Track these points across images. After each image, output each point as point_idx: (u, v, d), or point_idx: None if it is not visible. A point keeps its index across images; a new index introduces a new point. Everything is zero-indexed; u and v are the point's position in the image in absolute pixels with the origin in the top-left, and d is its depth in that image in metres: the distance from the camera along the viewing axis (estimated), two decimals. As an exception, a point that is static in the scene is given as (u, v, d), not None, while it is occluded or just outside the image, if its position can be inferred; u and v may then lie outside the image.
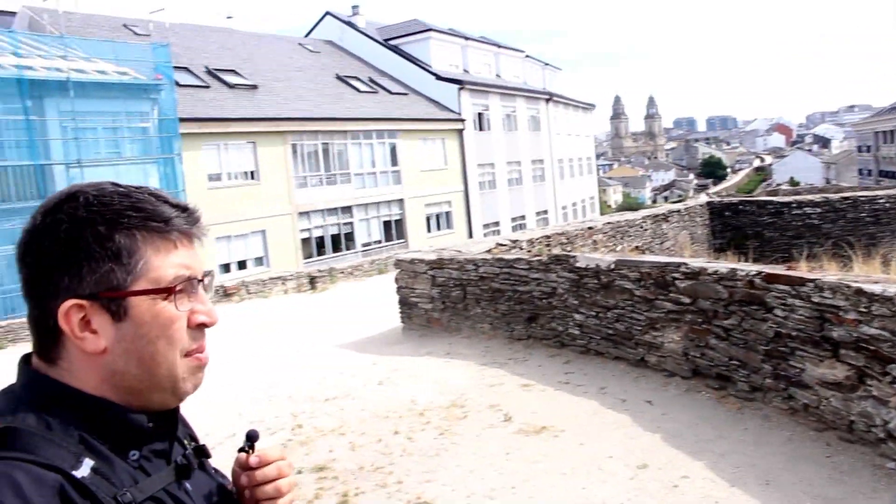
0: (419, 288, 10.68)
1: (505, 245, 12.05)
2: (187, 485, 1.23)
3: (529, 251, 11.70)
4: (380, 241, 30.17)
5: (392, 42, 37.29)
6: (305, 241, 27.13)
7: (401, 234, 31.30)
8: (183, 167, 21.96)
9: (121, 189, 1.19)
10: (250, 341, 11.56)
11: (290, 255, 25.99)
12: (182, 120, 22.05)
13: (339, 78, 32.59)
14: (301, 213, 26.85)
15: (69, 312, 1.11)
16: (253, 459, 1.31)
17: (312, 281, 18.10)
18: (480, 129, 36.32)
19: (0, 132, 18.66)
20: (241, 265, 24.58)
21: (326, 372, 9.00)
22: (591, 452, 5.63)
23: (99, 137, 20.70)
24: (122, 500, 1.06)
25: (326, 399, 7.85)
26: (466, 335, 9.91)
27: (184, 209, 1.21)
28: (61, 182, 19.38)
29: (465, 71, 38.33)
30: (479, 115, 36.41)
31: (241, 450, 1.36)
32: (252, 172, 25.19)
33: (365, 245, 29.37)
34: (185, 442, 1.32)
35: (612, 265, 7.94)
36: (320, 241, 27.87)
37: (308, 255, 26.93)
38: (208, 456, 1.34)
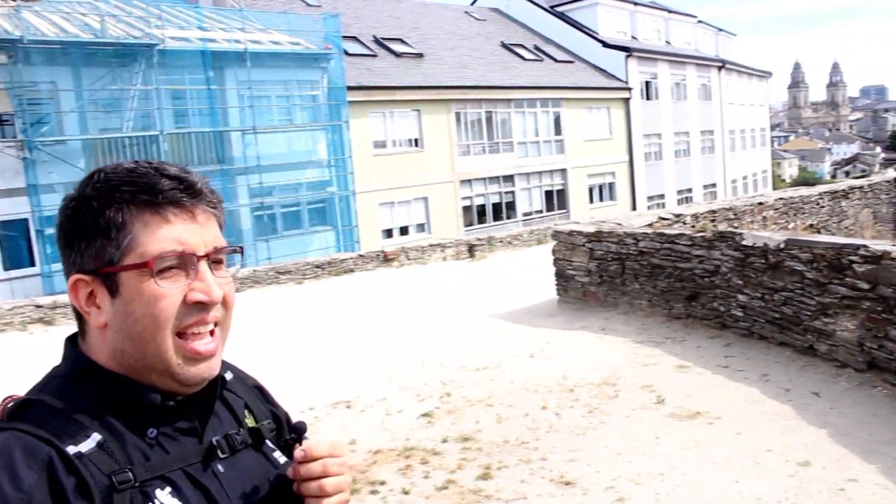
0: (576, 260, 10.49)
1: (667, 219, 11.61)
2: (219, 467, 1.18)
3: (693, 226, 11.20)
4: (541, 211, 29.95)
5: (558, 9, 36.61)
6: (466, 209, 27.35)
7: (562, 204, 30.94)
8: (350, 134, 22.61)
9: (130, 165, 1.17)
10: (405, 307, 11.78)
11: (450, 222, 26.28)
12: (350, 88, 22.65)
13: (504, 46, 32.41)
14: (463, 181, 27.05)
15: (75, 286, 1.15)
16: (298, 453, 1.21)
17: (471, 249, 18.20)
18: (647, 97, 35.17)
19: (186, 101, 19.92)
20: (403, 231, 25.11)
21: (478, 341, 9.02)
22: (747, 444, 5.31)
23: (272, 105, 21.70)
24: (118, 478, 1.05)
25: (477, 369, 7.86)
26: (623, 311, 9.64)
27: (182, 181, 1.15)
28: (238, 147, 20.48)
29: (633, 38, 37.13)
30: (647, 83, 35.22)
31: (286, 440, 1.31)
32: (416, 140, 25.59)
33: (526, 214, 29.25)
34: (247, 421, 1.29)
35: (781, 244, 7.44)
36: (481, 210, 28.01)
37: (468, 223, 27.13)
38: (263, 439, 1.28)
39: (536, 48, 33.58)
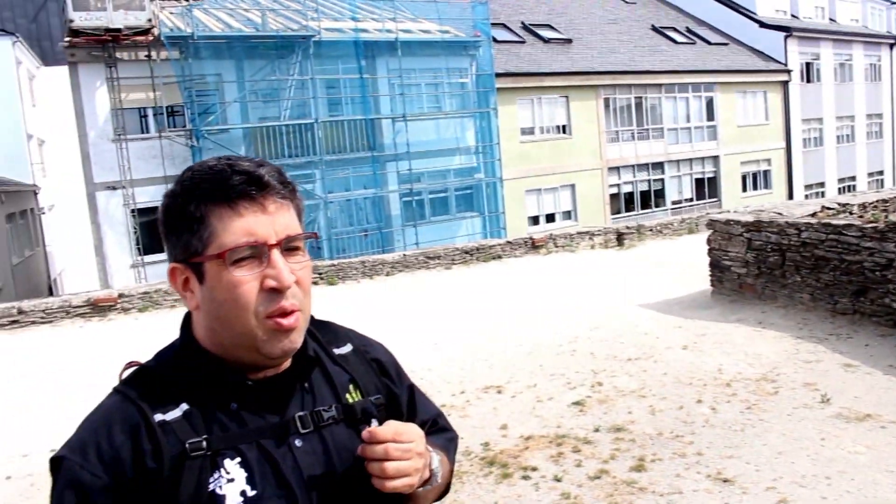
0: (732, 251, 10.13)
1: (832, 209, 11.00)
2: (296, 442, 1.27)
3: (861, 217, 10.56)
4: (691, 200, 29.06)
5: (713, -12, 35.23)
6: (614, 197, 26.90)
7: (713, 192, 29.89)
8: (498, 121, 22.68)
9: (212, 162, 1.27)
10: (555, 294, 11.73)
11: (598, 210, 25.94)
12: (498, 75, 22.72)
13: (654, 29, 31.55)
14: (611, 169, 26.61)
15: (172, 273, 1.29)
16: (364, 433, 1.28)
17: (619, 237, 17.89)
18: (808, 80, 33.32)
19: (339, 90, 20.58)
20: (550, 218, 24.99)
21: (629, 331, 8.89)
22: (925, 450, 4.99)
23: (422, 93, 22.07)
24: (192, 446, 1.20)
25: (628, 359, 7.75)
26: (782, 304, 9.24)
27: (250, 175, 1.24)
28: (388, 135, 20.97)
29: (793, 16, 35.17)
30: (807, 64, 33.34)
31: (354, 419, 1.35)
32: (564, 126, 25.36)
33: (675, 203, 28.47)
34: (349, 396, 1.36)
35: (964, 238, 6.92)
36: (629, 198, 27.48)
37: (616, 211, 26.70)
38: (355, 417, 1.35)
39: (689, 30, 32.49)
